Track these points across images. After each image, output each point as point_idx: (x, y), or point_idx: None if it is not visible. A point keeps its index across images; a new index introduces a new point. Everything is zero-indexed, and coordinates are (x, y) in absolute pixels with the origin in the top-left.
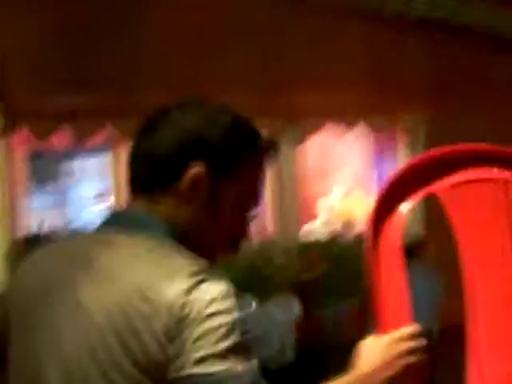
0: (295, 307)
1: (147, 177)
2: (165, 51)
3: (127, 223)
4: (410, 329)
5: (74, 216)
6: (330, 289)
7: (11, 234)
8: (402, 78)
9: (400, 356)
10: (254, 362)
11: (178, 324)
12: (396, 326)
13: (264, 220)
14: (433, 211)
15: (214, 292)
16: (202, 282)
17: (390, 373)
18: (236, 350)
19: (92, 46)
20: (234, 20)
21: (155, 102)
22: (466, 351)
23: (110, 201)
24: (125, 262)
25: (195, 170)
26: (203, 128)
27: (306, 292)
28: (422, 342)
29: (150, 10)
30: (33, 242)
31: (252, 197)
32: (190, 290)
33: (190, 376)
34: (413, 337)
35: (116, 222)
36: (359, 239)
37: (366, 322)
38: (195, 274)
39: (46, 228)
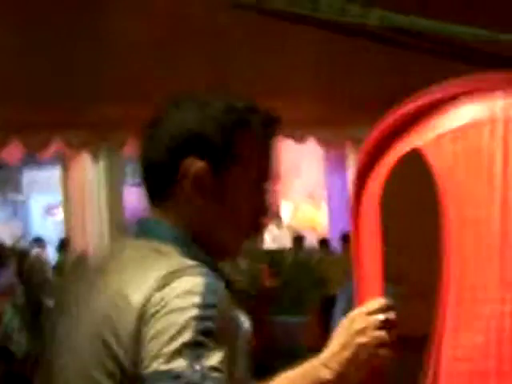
0: (247, 319)
1: (151, 182)
2: (117, 67)
3: (141, 231)
4: (369, 305)
5: (27, 228)
6: (281, 300)
7: None
8: (352, 90)
9: (357, 334)
10: (209, 361)
11: (142, 323)
12: (365, 300)
13: None
14: (388, 233)
15: (180, 288)
16: (174, 279)
17: (347, 353)
18: (186, 349)
19: (44, 62)
20: (187, 30)
21: (104, 115)
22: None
23: (60, 213)
24: (117, 270)
25: (194, 166)
26: (192, 123)
27: (261, 302)
28: (379, 317)
29: (104, 27)
30: None
31: (262, 174)
32: (158, 289)
33: (145, 375)
34: (369, 313)
35: (136, 229)
36: (310, 252)
37: (321, 331)
38: (171, 272)
39: None
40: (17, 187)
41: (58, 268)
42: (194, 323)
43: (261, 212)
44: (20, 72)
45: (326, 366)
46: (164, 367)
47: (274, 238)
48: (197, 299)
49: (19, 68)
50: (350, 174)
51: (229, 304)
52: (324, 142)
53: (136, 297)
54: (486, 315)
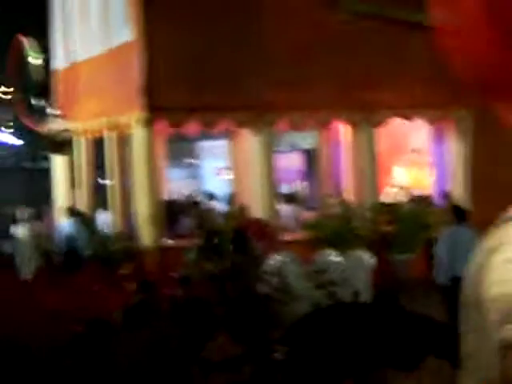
0: (371, 256)
1: None
2: (271, 60)
3: None
4: None
5: (202, 185)
6: (398, 241)
7: (155, 199)
8: (454, 80)
9: None
10: None
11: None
12: None
13: (350, 186)
14: (475, 190)
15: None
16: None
17: None
18: None
19: (218, 56)
20: (324, 35)
21: (264, 99)
22: None
23: (227, 174)
24: None
25: None
26: None
27: (381, 243)
28: None
29: (259, 29)
30: (171, 206)
31: None
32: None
33: None
34: None
35: None
36: (420, 204)
37: (428, 266)
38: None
39: (181, 195)
40: (193, 154)
41: (226, 216)
42: None
43: None
44: (200, 66)
45: None
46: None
47: (391, 196)
48: None
49: (200, 63)
50: (448, 145)
51: None
52: (428, 120)
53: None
54: None
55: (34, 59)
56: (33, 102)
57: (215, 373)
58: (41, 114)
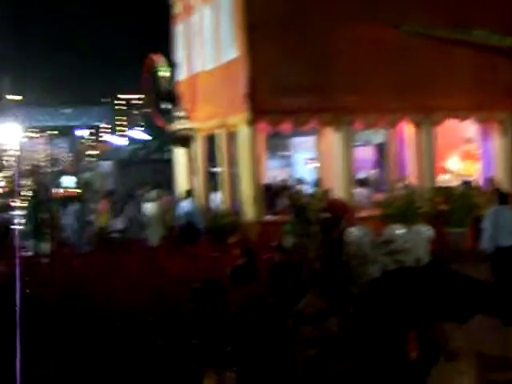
0: (430, 230)
1: None
2: (351, 72)
3: None
4: None
5: (293, 173)
6: (452, 217)
7: (256, 183)
8: (498, 87)
9: None
10: None
11: None
12: None
13: (413, 173)
14: None
15: None
16: None
17: None
18: None
19: (308, 69)
20: (388, 50)
21: (345, 103)
22: None
23: (316, 164)
24: None
25: None
26: None
27: (438, 219)
28: None
29: (342, 47)
30: (269, 189)
31: None
32: None
33: None
34: None
35: None
36: (470, 187)
37: (476, 239)
38: None
39: (277, 180)
40: (287, 147)
41: (313, 197)
42: None
43: None
44: (293, 77)
45: None
46: None
47: (445, 180)
48: None
49: (293, 75)
50: (492, 140)
51: None
52: (476, 120)
53: None
54: None
55: (163, 72)
56: (162, 106)
57: (306, 324)
58: (169, 116)
